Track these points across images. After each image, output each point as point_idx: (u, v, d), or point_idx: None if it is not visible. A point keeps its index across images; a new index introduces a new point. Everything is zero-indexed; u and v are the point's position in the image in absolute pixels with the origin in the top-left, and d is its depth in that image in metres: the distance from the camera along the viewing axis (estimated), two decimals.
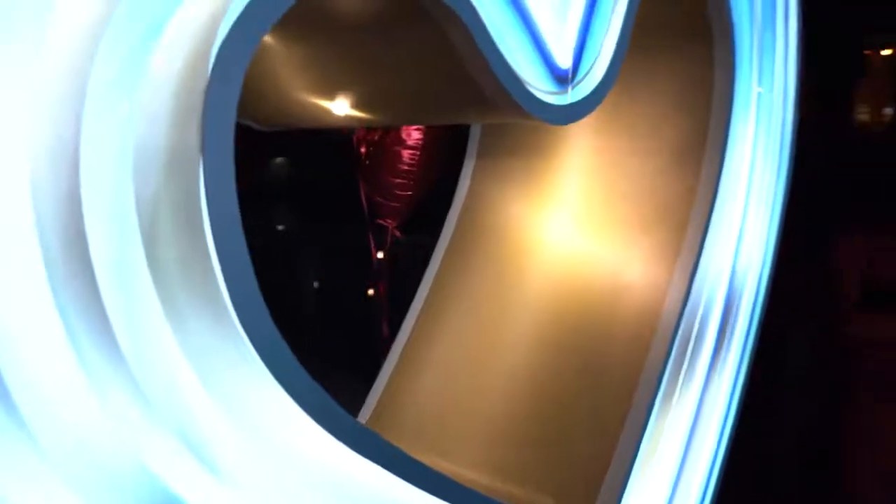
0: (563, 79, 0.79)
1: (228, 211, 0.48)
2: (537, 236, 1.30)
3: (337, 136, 2.64)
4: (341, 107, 0.85)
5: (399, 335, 1.30)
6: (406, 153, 2.77)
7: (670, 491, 1.07)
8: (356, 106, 0.84)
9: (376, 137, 2.71)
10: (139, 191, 0.45)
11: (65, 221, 0.42)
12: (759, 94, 1.22)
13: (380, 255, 2.67)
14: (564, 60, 0.79)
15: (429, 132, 2.77)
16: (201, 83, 0.46)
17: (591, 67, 0.83)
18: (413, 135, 2.72)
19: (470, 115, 1.01)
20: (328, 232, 2.75)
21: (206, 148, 0.47)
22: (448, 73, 0.72)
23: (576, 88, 0.81)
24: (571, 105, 0.80)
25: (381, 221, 2.62)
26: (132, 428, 0.45)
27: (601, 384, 1.12)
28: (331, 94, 0.80)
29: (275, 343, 0.52)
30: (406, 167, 2.74)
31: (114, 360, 0.45)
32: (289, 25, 0.57)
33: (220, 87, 0.47)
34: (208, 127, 0.47)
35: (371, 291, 2.70)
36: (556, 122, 0.80)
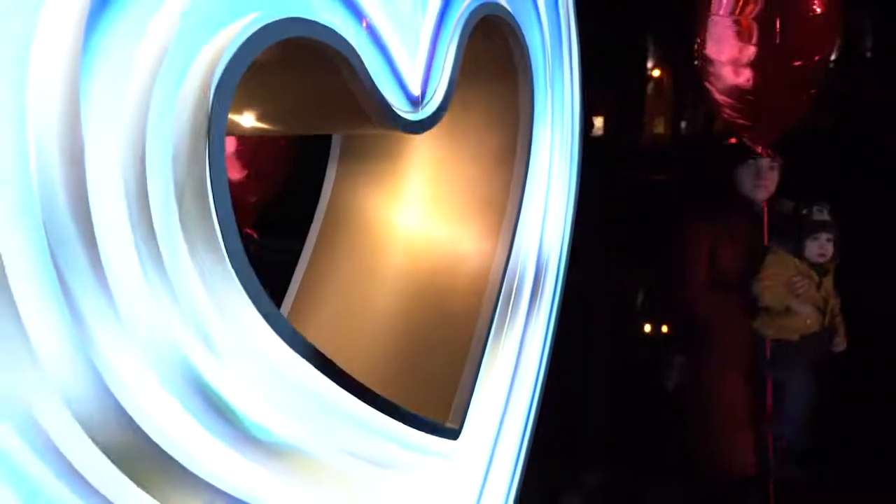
0: (415, 102, 1.15)
1: (222, 185, 0.78)
2: (392, 225, 1.64)
3: None
4: (249, 121, 1.15)
5: None
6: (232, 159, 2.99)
7: (505, 400, 1.46)
8: (263, 121, 1.15)
9: None
10: (175, 177, 0.74)
11: (138, 193, 0.71)
12: (553, 114, 1.64)
13: None
14: (416, 90, 1.15)
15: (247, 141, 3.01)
16: (205, 110, 0.76)
17: (433, 95, 1.20)
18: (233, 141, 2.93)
19: (350, 127, 1.34)
20: None
21: (210, 151, 0.77)
22: (337, 99, 1.05)
23: (424, 109, 1.17)
24: (422, 120, 1.16)
25: None
26: (170, 317, 0.74)
27: (450, 330, 1.49)
28: (246, 113, 1.10)
29: (248, 272, 0.82)
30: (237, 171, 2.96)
31: (160, 273, 0.73)
32: None
33: (217, 112, 0.77)
34: (211, 138, 0.77)
35: None
36: (413, 132, 1.16)
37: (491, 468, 1.49)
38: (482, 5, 1.32)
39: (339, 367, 0.98)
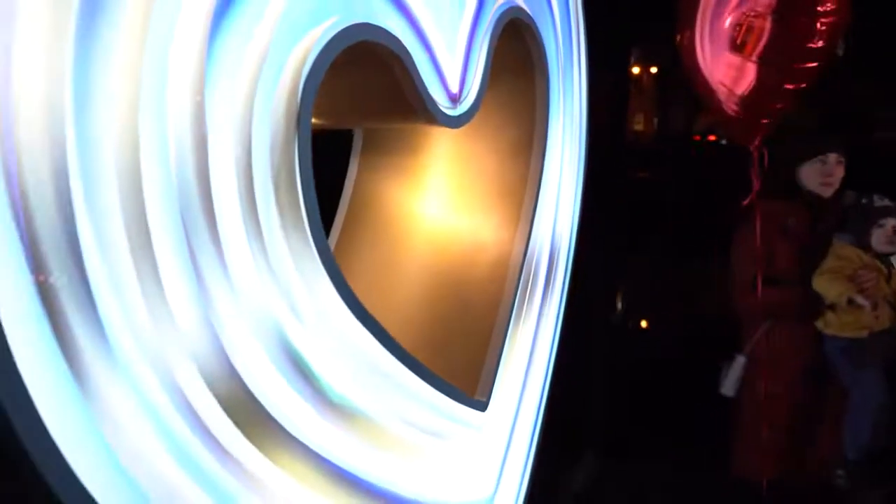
0: (454, 99, 1.26)
1: (308, 174, 0.89)
2: (414, 216, 1.75)
3: None
4: None
5: None
6: None
7: (523, 379, 1.58)
8: (316, 117, 1.25)
9: None
10: (272, 165, 0.85)
11: (245, 179, 0.81)
12: (564, 107, 1.76)
13: None
14: (454, 87, 1.26)
15: None
16: (295, 105, 0.87)
17: (468, 91, 1.31)
18: None
19: (392, 122, 1.45)
20: None
21: (299, 140, 0.87)
22: (388, 95, 1.16)
23: (461, 105, 1.28)
24: (459, 115, 1.27)
25: None
26: (269, 289, 0.85)
27: (471, 314, 1.60)
28: None
29: (327, 252, 0.93)
30: None
31: (262, 251, 0.84)
32: None
33: (305, 107, 0.88)
34: (300, 128, 0.87)
35: None
36: (451, 127, 1.27)
37: (512, 439, 1.61)
38: (508, 9, 1.43)
39: (397, 343, 1.08)
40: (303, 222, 0.89)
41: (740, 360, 2.56)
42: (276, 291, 0.86)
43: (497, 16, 1.40)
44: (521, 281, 1.62)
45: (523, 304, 1.64)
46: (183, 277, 0.74)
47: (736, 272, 2.53)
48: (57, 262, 0.62)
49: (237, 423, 0.82)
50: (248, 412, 0.83)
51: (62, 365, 0.63)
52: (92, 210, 0.64)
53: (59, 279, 0.62)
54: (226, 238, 0.79)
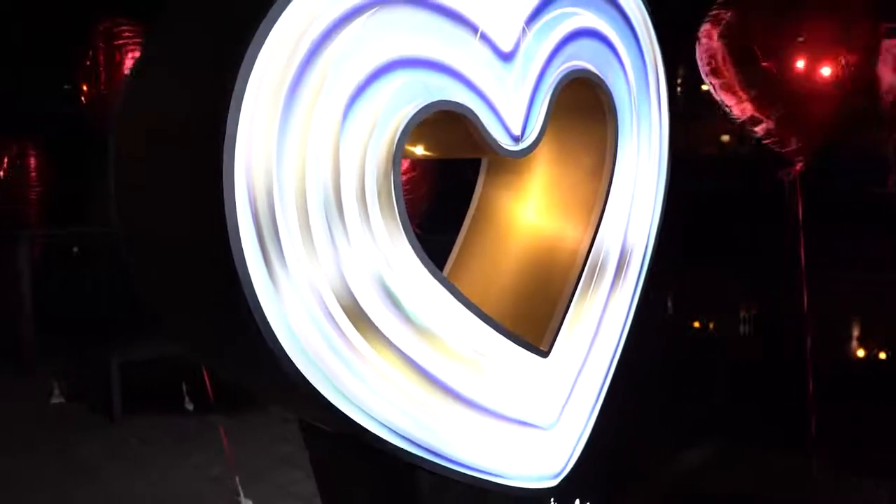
0: (516, 139, 1.94)
1: (399, 191, 1.64)
2: (517, 217, 2.44)
3: None
4: (420, 150, 2.00)
5: None
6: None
7: (589, 343, 2.21)
8: (427, 150, 2.00)
9: None
10: (377, 186, 1.60)
11: (360, 193, 1.58)
12: (639, 139, 2.35)
13: None
14: (516, 131, 1.94)
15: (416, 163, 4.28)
16: (392, 151, 1.62)
17: (530, 132, 1.98)
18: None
19: (474, 154, 2.17)
20: None
21: (393, 172, 1.62)
22: (467, 139, 1.87)
23: (521, 143, 1.96)
24: (521, 149, 1.96)
25: None
26: (372, 251, 1.60)
27: (551, 288, 2.26)
28: (418, 146, 1.95)
29: (409, 232, 1.66)
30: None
31: (369, 230, 1.60)
32: None
33: (398, 152, 1.63)
34: (394, 163, 1.62)
35: None
36: (515, 157, 1.95)
37: (575, 387, 2.23)
38: (570, 72, 2.08)
39: (461, 293, 1.79)
40: (396, 215, 1.64)
41: None
42: (376, 250, 1.61)
43: (559, 77, 2.05)
44: (587, 269, 2.25)
45: (588, 286, 2.26)
46: (324, 241, 1.52)
47: None
48: (266, 227, 1.42)
49: (353, 323, 1.59)
50: (359, 318, 1.59)
51: (267, 276, 1.43)
52: (282, 206, 1.44)
53: (267, 236, 1.42)
54: (349, 221, 1.56)
